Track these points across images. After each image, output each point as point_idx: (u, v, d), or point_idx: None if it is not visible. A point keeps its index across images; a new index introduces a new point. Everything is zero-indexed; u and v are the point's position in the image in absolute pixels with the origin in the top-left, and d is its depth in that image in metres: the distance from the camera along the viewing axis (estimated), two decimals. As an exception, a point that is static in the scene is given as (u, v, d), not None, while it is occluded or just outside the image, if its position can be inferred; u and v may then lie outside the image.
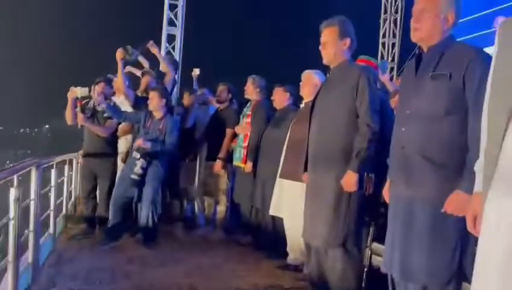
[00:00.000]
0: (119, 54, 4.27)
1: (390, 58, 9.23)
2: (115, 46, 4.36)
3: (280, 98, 4.02)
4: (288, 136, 3.37)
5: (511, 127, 1.26)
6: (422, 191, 1.80)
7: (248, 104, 4.39)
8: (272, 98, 4.10)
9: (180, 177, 4.80)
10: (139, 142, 3.95)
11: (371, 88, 2.39)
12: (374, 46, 9.33)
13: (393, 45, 9.27)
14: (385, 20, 9.31)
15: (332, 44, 2.51)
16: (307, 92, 3.35)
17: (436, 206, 1.74)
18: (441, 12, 1.84)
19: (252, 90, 4.34)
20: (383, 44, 9.38)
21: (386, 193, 2.04)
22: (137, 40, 4.89)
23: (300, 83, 3.39)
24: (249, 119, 4.23)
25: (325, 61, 2.57)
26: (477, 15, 5.73)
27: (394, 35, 9.26)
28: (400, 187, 1.89)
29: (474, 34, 5.69)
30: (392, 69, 9.30)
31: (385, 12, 9.31)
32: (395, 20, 9.21)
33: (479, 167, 1.43)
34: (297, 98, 4.11)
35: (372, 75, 2.48)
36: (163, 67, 4.82)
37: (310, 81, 3.34)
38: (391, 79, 5.37)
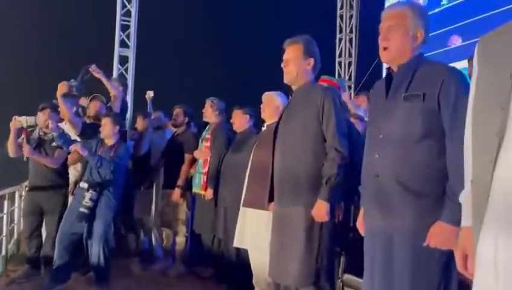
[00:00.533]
0: (62, 88, 3.92)
1: (347, 77, 9.33)
2: (63, 69, 4.04)
3: (240, 120, 3.88)
4: (250, 160, 3.17)
5: (502, 153, 1.13)
6: (401, 223, 1.64)
7: (207, 128, 4.21)
8: (232, 120, 3.94)
9: (135, 207, 4.47)
10: (76, 147, 3.60)
11: (336, 110, 2.24)
12: (331, 66, 9.42)
13: (350, 63, 9.39)
14: (340, 39, 9.45)
15: (295, 62, 2.36)
16: (268, 114, 3.19)
17: (417, 239, 1.59)
18: (409, 29, 1.72)
19: (210, 113, 4.17)
20: (340, 63, 9.48)
21: (360, 225, 1.87)
22: (88, 62, 4.57)
23: (261, 105, 3.22)
24: (208, 144, 4.04)
25: (286, 79, 2.41)
26: (431, 34, 5.89)
27: (350, 55, 9.38)
28: (375, 219, 1.73)
29: (428, 53, 5.81)
30: (349, 87, 9.38)
31: (340, 32, 9.45)
32: (351, 40, 9.36)
33: (465, 198, 1.29)
34: (257, 121, 3.97)
35: (337, 96, 2.35)
36: (110, 91, 4.52)
37: (271, 103, 3.19)
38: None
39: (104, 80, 4.58)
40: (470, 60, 3.94)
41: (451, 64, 1.86)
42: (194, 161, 4.20)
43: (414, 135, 1.63)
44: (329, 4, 9.61)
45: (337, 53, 9.53)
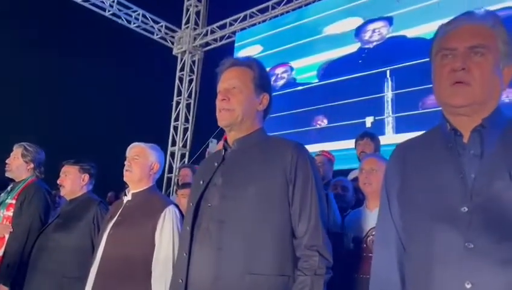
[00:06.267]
0: None
1: (181, 144, 8.48)
2: None
3: (73, 181, 2.58)
4: (101, 251, 1.90)
5: None
6: None
7: (9, 188, 2.77)
8: (59, 181, 2.60)
9: None
10: None
11: (318, 182, 1.31)
12: (166, 130, 8.48)
13: (186, 129, 8.60)
14: (178, 103, 8.67)
15: (241, 94, 1.37)
16: (138, 176, 2.03)
17: None
18: (500, 58, 1.00)
19: (20, 165, 2.80)
20: (175, 128, 8.60)
21: None
22: None
23: (126, 162, 2.05)
24: (9, 212, 2.61)
25: (223, 120, 1.37)
26: (297, 111, 5.62)
27: (187, 120, 8.62)
28: None
29: (291, 130, 5.51)
30: (183, 155, 8.52)
31: (179, 95, 8.70)
32: (188, 105, 8.66)
33: None
34: (99, 184, 2.75)
35: (313, 158, 1.42)
36: None
37: (144, 158, 2.06)
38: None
39: None
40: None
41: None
42: (-22, 238, 2.65)
43: None
44: (170, 64, 8.90)
45: (173, 117, 8.69)
